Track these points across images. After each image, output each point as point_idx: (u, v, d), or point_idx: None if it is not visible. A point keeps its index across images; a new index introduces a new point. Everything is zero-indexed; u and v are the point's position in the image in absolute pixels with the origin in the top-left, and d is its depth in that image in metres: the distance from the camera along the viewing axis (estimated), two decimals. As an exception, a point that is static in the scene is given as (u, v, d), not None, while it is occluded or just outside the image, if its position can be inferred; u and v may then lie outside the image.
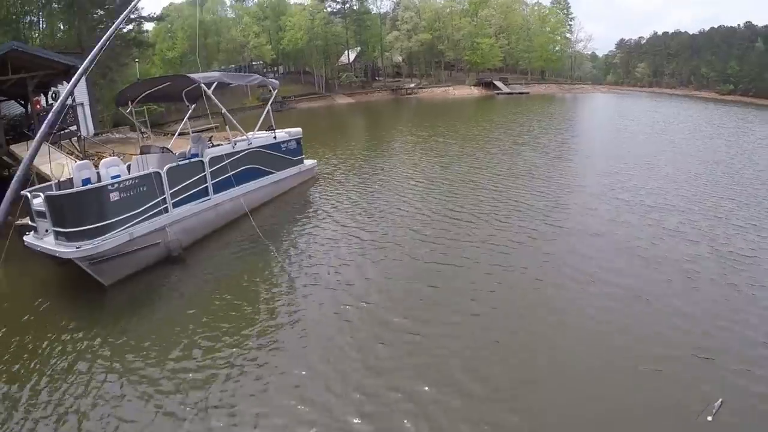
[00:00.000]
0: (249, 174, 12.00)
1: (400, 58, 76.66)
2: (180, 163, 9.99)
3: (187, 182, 9.90)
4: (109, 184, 8.45)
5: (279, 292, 8.09)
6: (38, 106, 17.67)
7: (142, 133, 16.04)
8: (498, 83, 65.05)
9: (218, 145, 11.92)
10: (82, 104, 24.94)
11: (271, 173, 13.04)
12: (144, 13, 39.09)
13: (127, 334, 6.94)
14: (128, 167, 11.09)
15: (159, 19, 44.91)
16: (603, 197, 12.49)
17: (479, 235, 9.98)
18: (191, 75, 11.31)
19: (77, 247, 7.95)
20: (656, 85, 74.46)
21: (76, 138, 18.83)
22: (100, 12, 33.63)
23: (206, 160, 10.37)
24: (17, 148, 15.58)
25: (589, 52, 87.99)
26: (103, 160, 9.79)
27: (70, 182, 9.81)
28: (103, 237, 8.17)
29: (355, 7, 68.20)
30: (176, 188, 9.57)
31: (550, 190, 13.35)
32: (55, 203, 8.16)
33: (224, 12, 69.15)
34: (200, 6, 58.39)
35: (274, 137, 13.41)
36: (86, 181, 9.54)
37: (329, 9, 68.01)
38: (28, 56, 15.57)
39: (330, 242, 10.07)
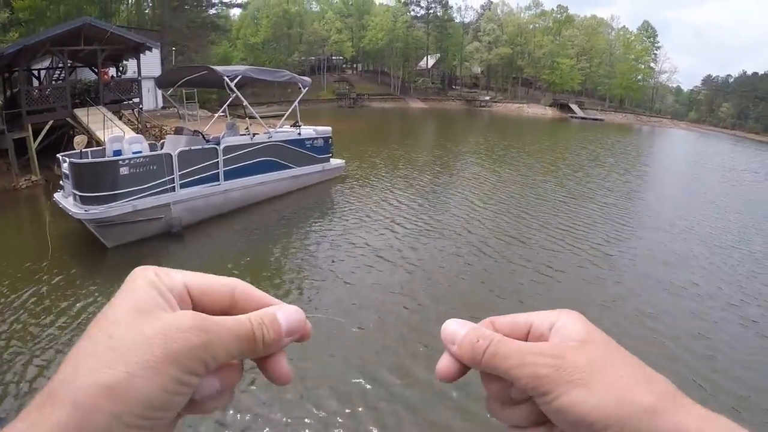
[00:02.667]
0: (266, 165, 12.75)
1: (479, 70, 76.40)
2: (193, 148, 10.92)
3: (198, 166, 10.78)
4: (121, 160, 9.52)
5: (263, 277, 8.60)
6: (106, 77, 19.45)
7: (190, 114, 17.25)
8: (573, 106, 63.46)
9: (255, 134, 12.83)
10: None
11: (291, 167, 13.74)
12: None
13: (116, 288, 7.90)
14: (162, 144, 12.33)
15: (239, 6, 47.39)
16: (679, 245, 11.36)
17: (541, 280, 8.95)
18: (216, 68, 12.24)
19: (86, 210, 9.12)
20: (739, 128, 69.14)
21: (137, 110, 20.51)
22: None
23: (221, 148, 11.27)
24: (79, 112, 17.29)
25: (674, 85, 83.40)
26: (127, 137, 10.94)
27: (102, 151, 11.10)
28: (110, 204, 9.25)
29: (438, 14, 68.76)
30: (186, 170, 10.46)
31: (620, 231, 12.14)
32: (76, 169, 9.35)
33: (309, 5, 71.59)
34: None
35: (299, 133, 14.14)
36: (117, 153, 10.76)
37: (412, 13, 68.94)
38: (100, 30, 17.26)
39: (332, 244, 10.28)
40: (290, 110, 14.49)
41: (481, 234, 11.26)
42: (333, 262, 9.35)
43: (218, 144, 11.36)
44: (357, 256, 9.63)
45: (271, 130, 13.36)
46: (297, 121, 14.50)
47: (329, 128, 15.54)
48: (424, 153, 25.43)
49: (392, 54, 67.95)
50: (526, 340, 0.45)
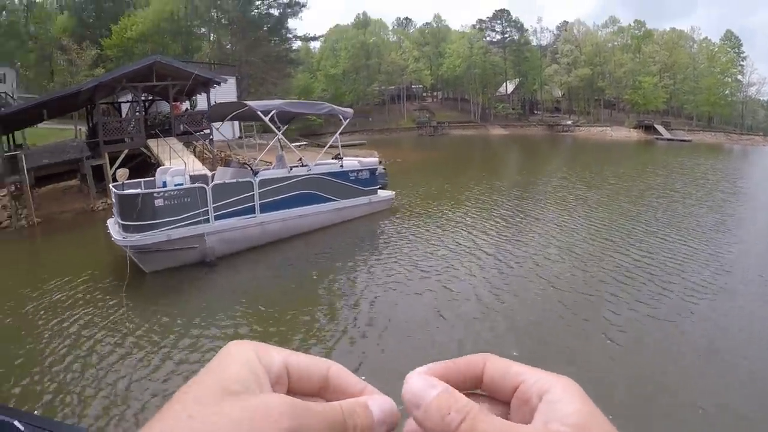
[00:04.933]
0: (305, 198, 13.10)
1: (560, 93, 74.50)
2: (227, 181, 11.55)
3: (232, 199, 11.35)
4: (156, 192, 10.37)
5: (294, 312, 8.56)
6: (177, 110, 21.18)
7: (260, 143, 18.12)
8: (659, 128, 59.77)
9: (293, 167, 13.28)
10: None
11: (333, 200, 13.96)
12: (300, 33, 43.99)
13: (153, 307, 9.07)
14: (213, 176, 13.13)
15: (314, 39, 49.77)
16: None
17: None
18: (250, 103, 12.93)
19: (124, 237, 9.99)
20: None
21: (208, 141, 22.05)
22: (258, 33, 38.39)
23: (256, 181, 11.81)
24: (152, 143, 18.94)
25: (764, 98, 75.07)
26: (170, 170, 11.79)
27: (153, 182, 12.05)
28: (146, 233, 10.05)
29: (514, 38, 68.15)
30: (220, 203, 11.07)
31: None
32: (118, 199, 10.33)
33: (386, 35, 73.23)
34: (363, 28, 62.82)
35: (341, 165, 14.48)
36: (164, 184, 11.63)
37: (488, 38, 68.80)
38: (170, 68, 18.88)
39: (374, 283, 9.85)
40: (331, 141, 14.95)
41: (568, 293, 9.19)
42: (372, 304, 8.89)
43: (255, 177, 11.93)
44: (405, 299, 8.99)
45: (310, 163, 13.76)
46: (339, 154, 14.88)
47: (375, 159, 15.77)
48: (504, 180, 24.73)
49: (471, 80, 67.81)
50: (511, 399, 0.41)
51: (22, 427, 3.34)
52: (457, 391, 0.39)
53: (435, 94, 78.87)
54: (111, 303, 9.16)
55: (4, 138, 21.61)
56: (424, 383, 0.39)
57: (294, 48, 46.03)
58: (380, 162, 16.30)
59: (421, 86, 73.16)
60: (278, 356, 0.41)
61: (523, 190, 21.85)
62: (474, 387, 0.43)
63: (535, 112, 75.18)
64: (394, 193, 16.59)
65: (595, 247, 12.27)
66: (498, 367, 0.42)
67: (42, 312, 8.92)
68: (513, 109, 70.59)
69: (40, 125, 25.90)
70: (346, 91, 60.03)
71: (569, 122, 67.37)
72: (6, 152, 20.69)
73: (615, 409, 5.42)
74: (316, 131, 38.27)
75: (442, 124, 59.47)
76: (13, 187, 20.72)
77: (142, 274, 10.34)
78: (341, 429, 0.39)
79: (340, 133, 15.27)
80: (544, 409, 0.38)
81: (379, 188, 15.69)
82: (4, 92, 38.52)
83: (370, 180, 15.21)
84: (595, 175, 26.52)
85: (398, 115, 54.68)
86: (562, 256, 11.43)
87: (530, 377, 0.40)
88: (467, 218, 15.42)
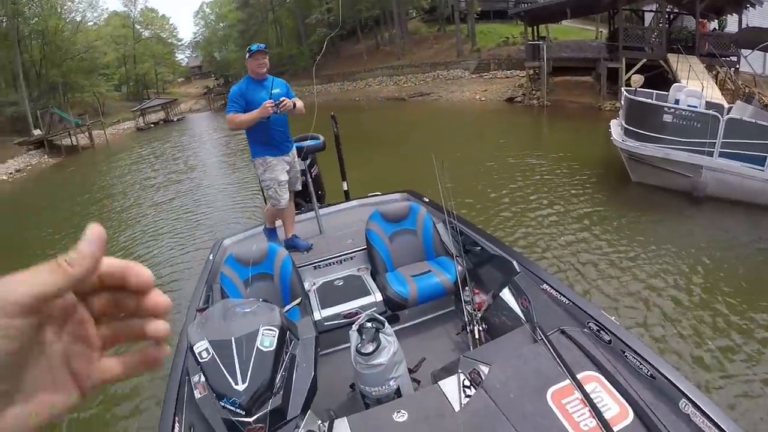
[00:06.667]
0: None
1: None
2: (745, 119, 10.09)
3: (745, 141, 9.91)
4: (666, 107, 10.20)
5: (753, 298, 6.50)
6: (704, 28, 19.62)
7: None
8: None
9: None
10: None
11: None
12: None
13: (626, 219, 9.70)
14: (729, 109, 11.75)
15: None
16: None
17: None
18: None
19: (623, 140, 10.63)
20: None
21: (733, 69, 19.49)
22: None
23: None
24: (672, 57, 18.43)
25: None
26: (687, 89, 11.36)
27: (665, 97, 11.70)
28: (645, 143, 10.26)
29: None
30: (730, 140, 9.89)
31: None
32: (627, 103, 10.80)
33: None
34: None
35: None
36: (676, 102, 11.12)
37: None
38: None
39: None
40: None
41: None
42: None
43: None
44: None
45: None
46: None
47: None
48: None
49: None
50: None
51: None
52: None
53: None
54: (593, 191, 10.58)
55: (530, 29, 25.09)
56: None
57: None
58: None
59: None
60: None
61: None
62: None
63: None
64: None
65: None
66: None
67: (539, 168, 12.16)
68: None
69: (563, 22, 27.92)
70: None
71: None
72: (530, 41, 24.25)
73: None
74: None
75: None
76: (531, 71, 24.47)
77: (626, 181, 10.97)
78: (54, 266, 0.41)
79: None
80: None
81: None
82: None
83: None
84: None
85: None
86: None
87: None
88: None
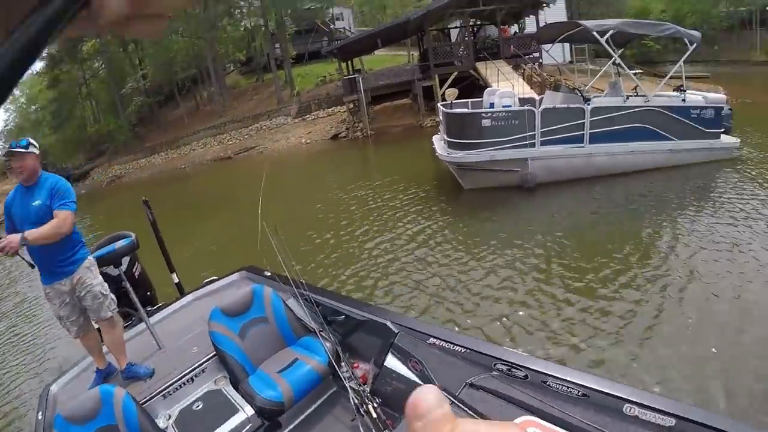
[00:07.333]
0: (638, 133, 11.33)
1: None
2: (558, 106, 10.66)
3: (561, 125, 10.46)
4: (483, 112, 10.24)
5: (605, 260, 6.95)
6: (506, 34, 20.91)
7: (592, 69, 16.61)
8: None
9: (629, 96, 11.65)
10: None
11: (669, 139, 11.74)
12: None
13: (462, 224, 9.57)
14: (541, 100, 12.43)
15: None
16: None
17: None
18: (585, 22, 11.28)
19: (448, 153, 10.40)
20: None
21: (537, 64, 21.28)
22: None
23: (588, 108, 10.64)
24: (480, 65, 19.29)
25: None
26: (499, 91, 11.49)
27: (480, 104, 12.05)
28: (469, 151, 10.17)
29: None
30: (548, 128, 10.34)
31: None
32: (446, 117, 10.68)
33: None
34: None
35: (683, 99, 11.95)
36: (491, 105, 11.48)
37: None
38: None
39: (698, 245, 7.16)
40: (674, 71, 12.17)
41: None
42: (692, 274, 6.26)
43: (587, 104, 10.78)
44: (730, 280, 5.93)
45: (648, 93, 11.71)
46: (682, 85, 12.25)
47: (723, 96, 12.62)
48: None
49: None
50: None
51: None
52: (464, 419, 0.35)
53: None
54: (423, 208, 10.45)
55: (345, 65, 25.25)
56: (437, 398, 0.33)
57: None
58: (726, 101, 12.92)
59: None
60: None
61: None
62: None
63: None
64: (738, 140, 12.63)
65: None
66: None
67: (367, 198, 12.03)
68: None
69: (376, 52, 28.75)
70: (688, 12, 50.61)
71: None
72: (346, 76, 24.28)
73: None
74: (653, 59, 33.53)
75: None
76: (351, 105, 24.38)
77: (459, 190, 10.86)
78: None
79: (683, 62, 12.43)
80: None
81: (722, 132, 12.35)
82: (343, 27, 44.99)
83: (714, 120, 11.97)
84: None
85: (749, 46, 43.72)
86: None
87: None
88: None
